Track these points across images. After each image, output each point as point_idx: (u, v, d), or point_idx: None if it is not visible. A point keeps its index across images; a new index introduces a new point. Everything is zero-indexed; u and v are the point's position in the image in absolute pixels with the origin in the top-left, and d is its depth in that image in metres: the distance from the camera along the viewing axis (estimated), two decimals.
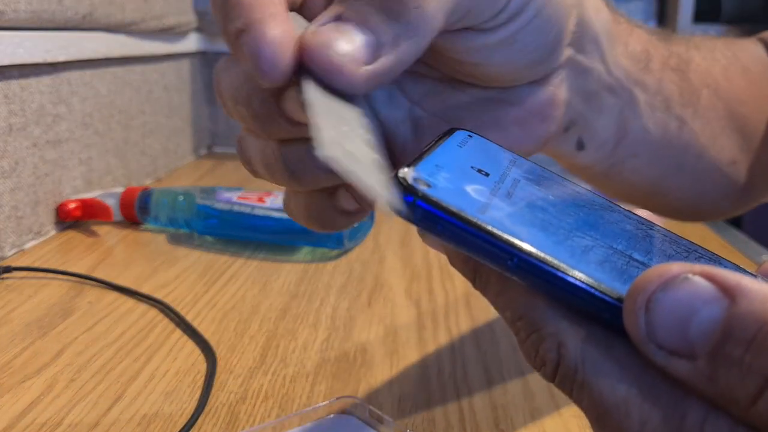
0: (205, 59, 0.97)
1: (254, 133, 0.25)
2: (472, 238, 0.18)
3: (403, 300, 0.50)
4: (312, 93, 0.19)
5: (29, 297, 0.47)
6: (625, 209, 0.23)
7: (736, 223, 0.83)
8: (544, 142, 0.29)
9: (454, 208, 0.18)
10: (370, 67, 0.21)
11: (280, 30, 0.20)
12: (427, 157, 0.20)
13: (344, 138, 0.18)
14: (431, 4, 0.21)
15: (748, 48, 0.39)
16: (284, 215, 0.57)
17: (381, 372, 0.39)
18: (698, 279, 0.15)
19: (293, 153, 0.24)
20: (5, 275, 0.50)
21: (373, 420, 0.33)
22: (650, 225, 0.23)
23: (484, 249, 0.18)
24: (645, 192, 0.37)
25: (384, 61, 0.21)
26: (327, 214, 0.26)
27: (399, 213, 0.18)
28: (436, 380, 0.39)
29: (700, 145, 0.35)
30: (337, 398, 0.35)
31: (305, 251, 0.58)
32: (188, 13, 0.89)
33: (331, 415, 0.34)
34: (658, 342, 0.16)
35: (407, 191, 0.18)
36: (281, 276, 0.53)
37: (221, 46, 0.95)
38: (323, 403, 0.34)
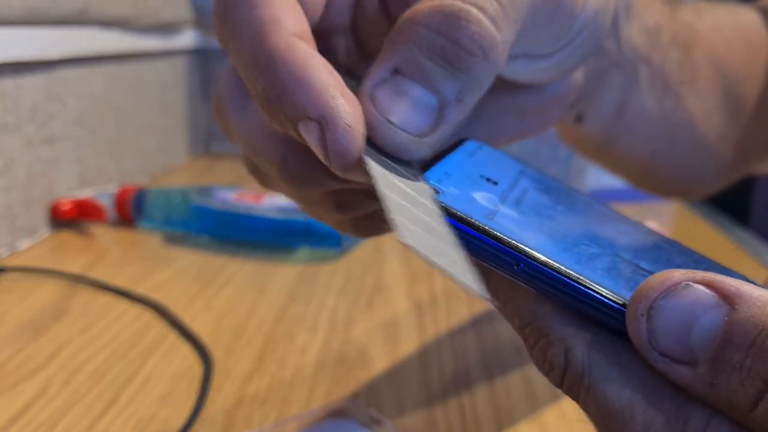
0: (201, 56, 0.96)
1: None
2: (479, 243, 0.18)
3: (403, 302, 0.49)
4: (373, 163, 0.18)
5: (22, 298, 0.46)
6: (633, 220, 0.24)
7: (744, 221, 0.83)
8: (555, 124, 0.29)
9: (462, 214, 0.18)
10: (432, 139, 0.20)
11: (356, 116, 0.18)
12: (436, 164, 0.20)
13: (418, 220, 0.17)
14: (498, 49, 0.20)
15: (750, 17, 0.39)
16: (282, 215, 0.57)
17: (381, 374, 0.39)
18: (699, 286, 0.16)
19: (349, 198, 0.23)
20: None
21: (373, 423, 0.33)
22: (659, 236, 0.23)
23: (491, 254, 0.18)
24: (638, 169, 0.37)
25: (447, 125, 0.20)
26: (375, 226, 0.25)
27: (483, 299, 0.17)
28: (437, 382, 0.38)
29: (693, 123, 0.35)
30: (337, 401, 0.34)
31: (303, 252, 0.58)
32: (185, 9, 0.88)
33: (330, 419, 0.33)
34: (659, 349, 0.16)
35: None
36: (279, 277, 0.53)
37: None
38: (322, 406, 0.34)
